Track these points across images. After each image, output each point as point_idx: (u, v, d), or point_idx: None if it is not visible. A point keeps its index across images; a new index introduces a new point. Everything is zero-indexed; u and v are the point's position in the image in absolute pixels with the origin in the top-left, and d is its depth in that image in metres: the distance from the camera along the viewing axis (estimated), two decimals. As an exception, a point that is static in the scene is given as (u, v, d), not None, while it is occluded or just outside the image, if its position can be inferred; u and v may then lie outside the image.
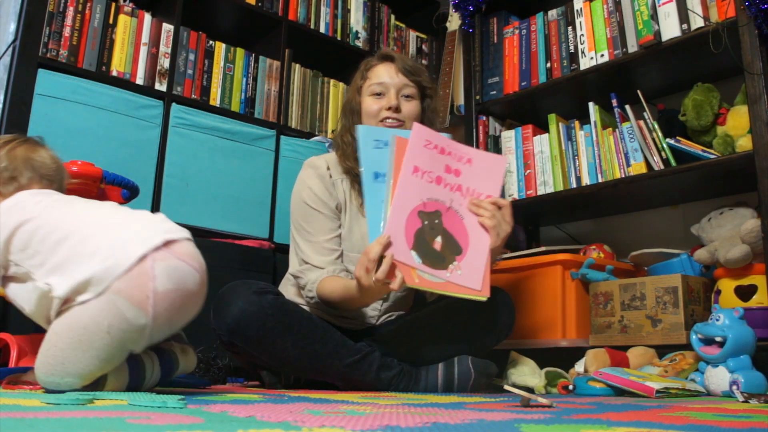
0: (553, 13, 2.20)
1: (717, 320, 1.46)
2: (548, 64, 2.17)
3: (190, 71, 2.22)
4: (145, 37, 2.13)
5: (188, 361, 1.18)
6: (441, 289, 1.34)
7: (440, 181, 1.39)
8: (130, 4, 2.15)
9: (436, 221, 1.37)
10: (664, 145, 1.84)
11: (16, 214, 1.06)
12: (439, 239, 1.36)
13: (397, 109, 1.57)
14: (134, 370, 1.06)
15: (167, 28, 2.18)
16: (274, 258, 2.14)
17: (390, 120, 1.57)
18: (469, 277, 1.36)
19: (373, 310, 1.59)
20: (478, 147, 2.29)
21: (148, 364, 1.09)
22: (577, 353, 1.78)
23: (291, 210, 1.63)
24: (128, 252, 0.99)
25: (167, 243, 1.03)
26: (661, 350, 1.70)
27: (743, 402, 1.20)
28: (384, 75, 1.61)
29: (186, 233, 1.10)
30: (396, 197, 1.34)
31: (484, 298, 1.36)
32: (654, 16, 1.89)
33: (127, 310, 0.97)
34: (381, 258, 1.29)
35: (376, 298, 1.39)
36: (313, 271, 1.52)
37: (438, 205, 1.38)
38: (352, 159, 1.57)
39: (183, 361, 1.16)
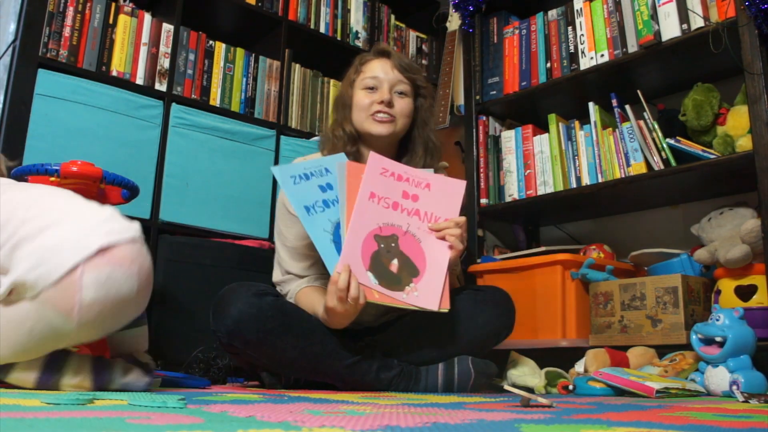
0: (553, 13, 2.20)
1: (717, 320, 1.46)
2: (548, 64, 2.17)
3: (190, 71, 2.22)
4: (145, 37, 2.13)
5: (129, 377, 1.13)
6: (400, 304, 1.36)
7: (397, 206, 1.41)
8: (130, 4, 2.15)
9: (393, 244, 1.39)
10: (664, 145, 1.84)
11: None
12: (395, 262, 1.37)
13: (390, 104, 1.55)
14: (48, 367, 1.07)
15: (167, 28, 2.18)
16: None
17: (381, 114, 1.55)
18: (425, 298, 1.37)
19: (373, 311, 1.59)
20: (478, 147, 2.29)
21: (71, 367, 1.09)
22: (577, 353, 1.78)
23: (275, 214, 1.63)
24: (59, 261, 1.01)
25: (102, 249, 1.03)
26: (661, 350, 1.70)
27: (743, 402, 1.20)
28: (378, 69, 1.59)
29: (131, 233, 1.10)
30: (352, 222, 1.36)
31: (446, 311, 1.38)
32: (654, 16, 1.89)
33: (53, 317, 1.00)
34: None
35: (345, 323, 1.39)
36: (293, 281, 1.54)
37: (394, 229, 1.40)
38: (350, 146, 1.58)
39: (122, 379, 1.13)
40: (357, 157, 1.59)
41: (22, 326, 1.00)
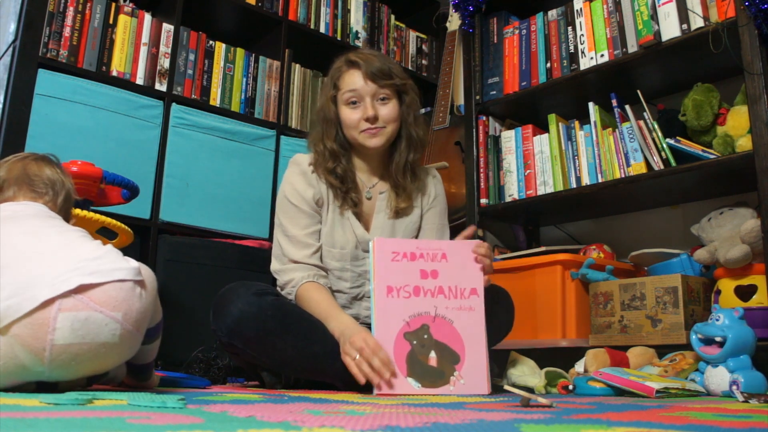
0: (553, 13, 2.20)
1: (717, 320, 1.46)
2: (548, 64, 2.17)
3: (190, 71, 2.22)
4: (145, 37, 2.14)
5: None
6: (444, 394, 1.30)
7: (419, 291, 1.34)
8: (130, 4, 2.16)
9: (425, 336, 1.31)
10: (664, 145, 1.84)
11: None
12: (433, 354, 1.30)
13: (375, 119, 1.55)
14: None
15: (167, 28, 2.19)
16: (274, 258, 2.14)
17: (370, 130, 1.55)
18: (473, 384, 1.30)
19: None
20: (478, 147, 2.29)
21: None
22: (577, 353, 1.77)
23: (276, 208, 1.64)
24: (31, 295, 0.92)
25: (83, 288, 0.94)
26: (661, 350, 1.70)
27: (743, 402, 1.20)
28: (355, 82, 1.56)
29: (121, 273, 1.00)
30: (375, 329, 1.30)
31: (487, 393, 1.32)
32: (654, 16, 1.89)
33: (23, 355, 0.93)
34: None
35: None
36: (295, 271, 1.52)
37: (423, 318, 1.33)
38: (323, 169, 1.58)
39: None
40: (346, 167, 1.59)
41: None
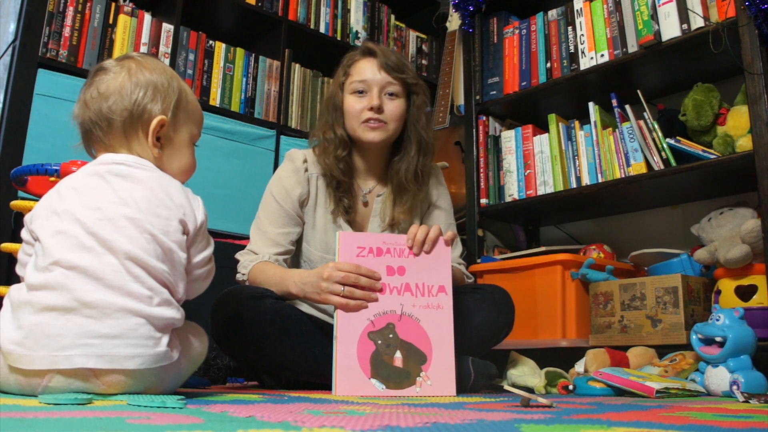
0: (553, 13, 2.20)
1: (717, 320, 1.46)
2: (548, 64, 2.17)
3: (190, 71, 2.22)
4: (145, 37, 2.14)
5: None
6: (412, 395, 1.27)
7: (384, 289, 1.29)
8: (130, 4, 2.16)
9: (391, 336, 1.27)
10: (664, 145, 1.84)
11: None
12: (398, 354, 1.26)
13: (380, 109, 1.52)
14: None
15: (167, 28, 2.19)
16: (274, 258, 2.14)
17: (372, 122, 1.51)
18: (441, 385, 1.26)
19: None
20: (478, 147, 2.29)
21: None
22: (577, 353, 1.77)
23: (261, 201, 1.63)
24: (29, 358, 0.87)
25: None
26: (661, 350, 1.70)
27: (743, 402, 1.20)
28: (366, 71, 1.53)
29: (134, 362, 0.89)
30: (339, 327, 1.26)
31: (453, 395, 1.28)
32: (654, 16, 1.89)
33: (14, 383, 0.90)
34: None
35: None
36: (251, 255, 1.52)
37: (388, 317, 1.28)
38: (332, 157, 1.54)
39: None
40: (348, 162, 1.57)
41: None
